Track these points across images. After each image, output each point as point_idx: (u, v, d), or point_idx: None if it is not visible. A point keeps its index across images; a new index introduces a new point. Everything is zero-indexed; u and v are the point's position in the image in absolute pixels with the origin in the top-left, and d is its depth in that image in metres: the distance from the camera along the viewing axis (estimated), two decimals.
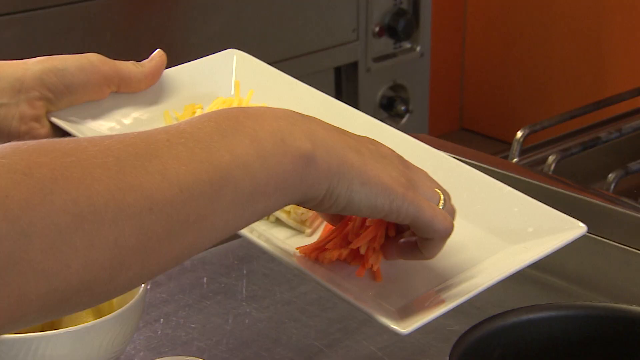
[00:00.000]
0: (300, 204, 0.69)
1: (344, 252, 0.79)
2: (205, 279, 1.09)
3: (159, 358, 0.88)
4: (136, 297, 0.85)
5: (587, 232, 0.82)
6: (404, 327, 0.72)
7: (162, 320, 1.01)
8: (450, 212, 0.77)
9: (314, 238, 0.83)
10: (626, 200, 1.10)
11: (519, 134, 1.21)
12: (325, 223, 0.83)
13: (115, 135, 0.61)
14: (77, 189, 0.56)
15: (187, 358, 0.87)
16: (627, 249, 1.06)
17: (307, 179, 0.67)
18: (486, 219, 0.84)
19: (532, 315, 0.81)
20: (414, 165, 0.76)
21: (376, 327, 1.02)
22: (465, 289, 0.76)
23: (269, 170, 0.64)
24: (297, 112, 0.70)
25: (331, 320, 1.03)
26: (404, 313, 0.76)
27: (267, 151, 0.65)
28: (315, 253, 0.79)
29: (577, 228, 0.82)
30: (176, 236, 0.60)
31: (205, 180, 0.61)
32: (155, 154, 0.60)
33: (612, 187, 1.13)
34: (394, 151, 0.75)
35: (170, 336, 0.99)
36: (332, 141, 0.69)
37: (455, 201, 0.80)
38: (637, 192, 1.18)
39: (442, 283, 0.79)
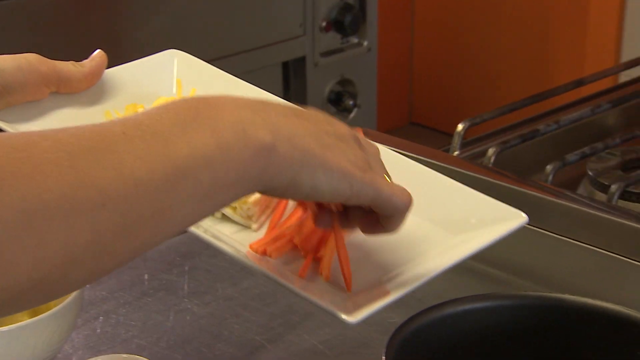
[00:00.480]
0: (262, 193, 0.69)
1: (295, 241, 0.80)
2: (146, 276, 1.09)
3: (97, 356, 0.88)
4: (73, 295, 0.85)
5: (527, 224, 0.83)
6: (353, 317, 0.73)
7: (101, 318, 1.01)
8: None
9: (261, 233, 0.84)
10: (564, 191, 1.11)
11: (460, 127, 1.22)
12: (271, 218, 0.84)
13: (71, 128, 0.60)
14: (26, 185, 0.55)
15: (125, 356, 0.87)
16: (565, 240, 1.07)
17: (269, 170, 0.66)
18: (429, 211, 0.85)
19: (467, 306, 0.82)
20: (367, 141, 0.78)
21: (318, 321, 1.03)
22: (410, 279, 0.78)
23: (229, 162, 0.64)
24: (259, 100, 0.70)
25: (273, 315, 1.03)
26: (351, 303, 0.77)
27: (228, 142, 0.64)
28: (264, 247, 0.80)
29: (518, 218, 0.83)
30: (131, 232, 0.59)
31: (161, 174, 0.60)
32: (110, 148, 0.59)
33: (550, 178, 1.14)
34: (349, 129, 0.76)
35: (109, 334, 0.98)
36: (294, 129, 0.68)
37: None
38: (575, 183, 1.20)
39: (387, 274, 0.80)
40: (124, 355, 0.86)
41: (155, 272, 1.09)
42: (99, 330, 0.99)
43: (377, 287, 0.79)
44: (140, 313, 1.02)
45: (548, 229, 1.08)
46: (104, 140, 0.60)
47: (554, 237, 1.08)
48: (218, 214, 0.84)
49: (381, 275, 0.80)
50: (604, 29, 2.64)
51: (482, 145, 1.26)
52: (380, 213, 0.75)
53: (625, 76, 1.67)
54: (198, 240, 0.79)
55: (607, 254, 1.04)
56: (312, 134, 0.70)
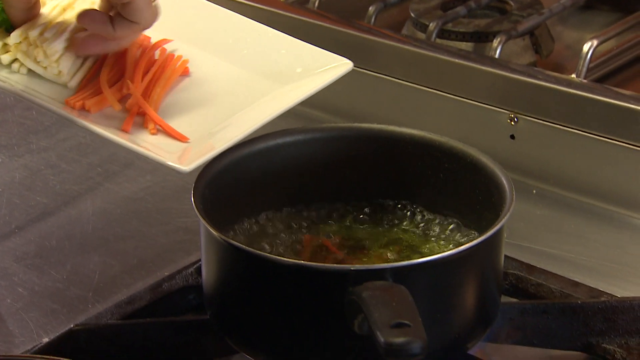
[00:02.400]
0: None
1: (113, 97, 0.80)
2: None
3: None
4: None
5: (353, 66, 0.84)
6: (185, 165, 0.75)
7: None
8: None
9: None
10: (386, 31, 1.12)
11: None
12: (84, 73, 0.82)
13: None
14: None
15: None
16: (385, 78, 1.09)
17: None
18: (255, 63, 0.86)
19: (279, 140, 0.83)
20: None
21: (139, 169, 1.02)
22: (238, 129, 0.79)
23: None
24: None
25: (92, 165, 1.02)
26: (181, 154, 0.77)
27: None
28: (82, 102, 0.79)
29: (344, 64, 0.84)
30: None
31: None
32: None
33: (373, 20, 1.15)
34: None
35: None
36: None
37: (221, 47, 0.83)
38: (400, 26, 1.21)
39: (217, 125, 0.81)
40: None
41: None
42: None
43: (208, 136, 0.80)
44: None
45: (374, 69, 1.10)
46: None
47: (381, 77, 1.10)
48: (24, 69, 0.82)
49: (212, 126, 0.81)
50: None
51: None
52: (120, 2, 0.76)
53: None
54: (9, 95, 0.77)
55: (422, 89, 1.07)
56: None
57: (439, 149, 0.81)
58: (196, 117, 0.82)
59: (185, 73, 0.85)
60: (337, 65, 0.84)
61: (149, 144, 0.78)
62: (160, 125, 0.80)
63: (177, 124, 0.80)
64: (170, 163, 0.75)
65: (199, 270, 0.83)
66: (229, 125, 0.81)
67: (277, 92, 0.84)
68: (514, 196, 0.75)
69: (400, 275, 0.68)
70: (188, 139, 0.79)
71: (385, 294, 0.66)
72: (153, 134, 0.79)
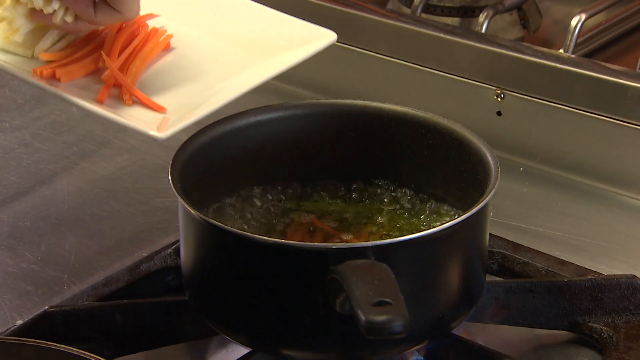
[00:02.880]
0: None
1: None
2: None
3: None
4: None
5: (336, 41, 0.85)
6: (162, 132, 0.75)
7: None
8: None
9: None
10: (370, 6, 1.12)
11: None
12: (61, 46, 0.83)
13: None
14: None
15: None
16: (374, 55, 1.09)
17: None
18: (237, 36, 0.86)
19: (260, 117, 0.83)
20: None
21: (116, 148, 1.02)
22: (218, 98, 0.79)
23: None
24: None
25: (67, 143, 1.02)
26: (158, 123, 0.78)
27: None
28: (52, 70, 0.79)
29: (327, 36, 0.85)
30: None
31: None
32: None
33: None
34: None
35: None
36: None
37: (204, 22, 0.84)
38: (385, 1, 1.21)
39: (196, 96, 0.81)
40: None
41: None
42: None
43: (186, 106, 0.80)
44: None
45: (354, 44, 1.10)
46: None
47: (360, 51, 1.10)
48: None
49: (191, 97, 0.81)
50: None
51: None
52: None
53: None
54: None
55: (407, 64, 1.07)
56: None
57: (423, 126, 0.82)
58: (176, 89, 0.82)
59: (167, 48, 0.85)
60: (321, 37, 0.85)
61: (125, 114, 0.79)
62: (136, 96, 0.80)
63: (156, 96, 0.81)
64: (145, 129, 0.75)
65: (177, 251, 0.83)
66: (209, 96, 0.81)
67: (259, 64, 0.84)
68: (499, 173, 0.75)
69: (382, 253, 0.69)
70: (165, 109, 0.80)
71: (366, 272, 0.66)
72: (129, 104, 0.79)
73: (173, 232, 0.88)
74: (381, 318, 0.62)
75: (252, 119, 0.83)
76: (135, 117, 0.78)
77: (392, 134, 0.83)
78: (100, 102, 0.79)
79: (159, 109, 0.79)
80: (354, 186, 0.85)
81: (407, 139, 0.82)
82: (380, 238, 0.78)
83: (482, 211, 0.73)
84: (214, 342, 0.79)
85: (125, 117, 0.77)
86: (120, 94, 0.80)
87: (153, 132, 0.75)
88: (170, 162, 0.77)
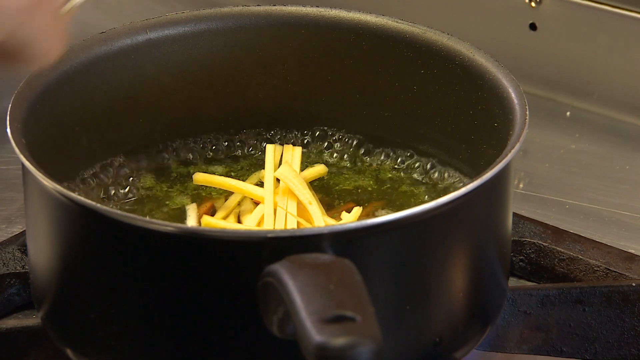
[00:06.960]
0: None
1: None
2: None
3: None
4: None
5: None
6: None
7: None
8: None
9: None
10: None
11: None
12: None
13: None
14: None
15: None
16: None
17: None
18: None
19: (154, 34, 0.87)
20: None
21: None
22: None
23: None
24: None
25: None
26: None
27: None
28: None
29: None
30: None
31: None
32: None
33: None
34: None
35: None
36: None
37: None
38: None
39: None
40: None
41: None
42: None
43: None
44: None
45: None
46: None
47: None
48: None
49: None
50: None
51: None
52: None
53: None
54: None
55: None
56: None
57: (412, 45, 0.83)
58: None
59: None
60: None
61: None
62: None
63: None
64: None
65: (23, 249, 0.82)
66: None
67: None
68: (527, 119, 0.74)
69: (344, 244, 0.68)
70: None
71: (319, 272, 0.66)
72: None
73: (16, 220, 0.89)
74: (339, 341, 0.61)
75: (142, 38, 0.84)
76: None
77: (363, 59, 0.84)
78: None
79: None
80: (306, 140, 0.86)
81: (387, 67, 0.83)
82: (344, 221, 0.78)
83: (500, 178, 0.72)
84: None
85: None
86: None
87: None
88: (9, 107, 0.76)
